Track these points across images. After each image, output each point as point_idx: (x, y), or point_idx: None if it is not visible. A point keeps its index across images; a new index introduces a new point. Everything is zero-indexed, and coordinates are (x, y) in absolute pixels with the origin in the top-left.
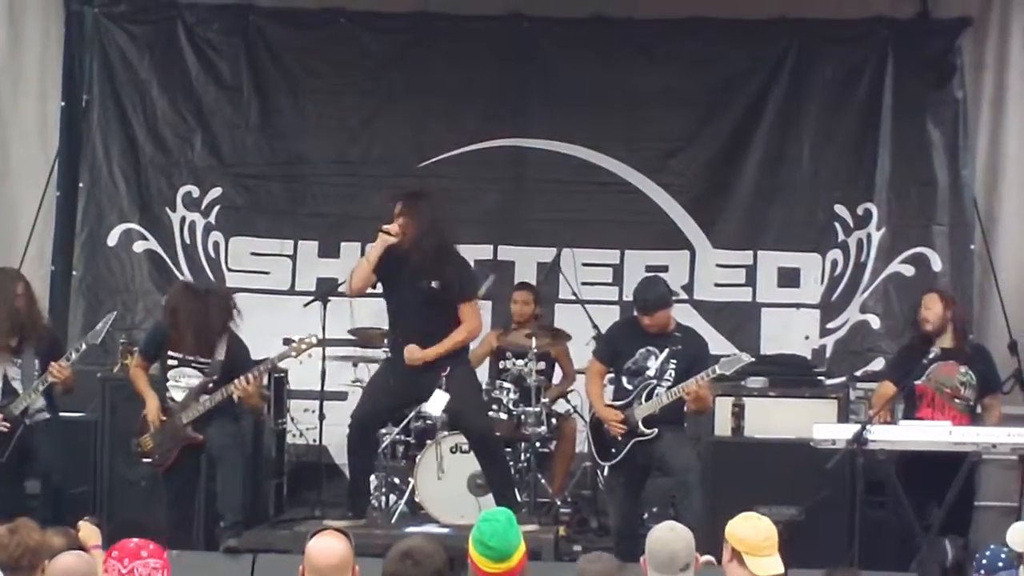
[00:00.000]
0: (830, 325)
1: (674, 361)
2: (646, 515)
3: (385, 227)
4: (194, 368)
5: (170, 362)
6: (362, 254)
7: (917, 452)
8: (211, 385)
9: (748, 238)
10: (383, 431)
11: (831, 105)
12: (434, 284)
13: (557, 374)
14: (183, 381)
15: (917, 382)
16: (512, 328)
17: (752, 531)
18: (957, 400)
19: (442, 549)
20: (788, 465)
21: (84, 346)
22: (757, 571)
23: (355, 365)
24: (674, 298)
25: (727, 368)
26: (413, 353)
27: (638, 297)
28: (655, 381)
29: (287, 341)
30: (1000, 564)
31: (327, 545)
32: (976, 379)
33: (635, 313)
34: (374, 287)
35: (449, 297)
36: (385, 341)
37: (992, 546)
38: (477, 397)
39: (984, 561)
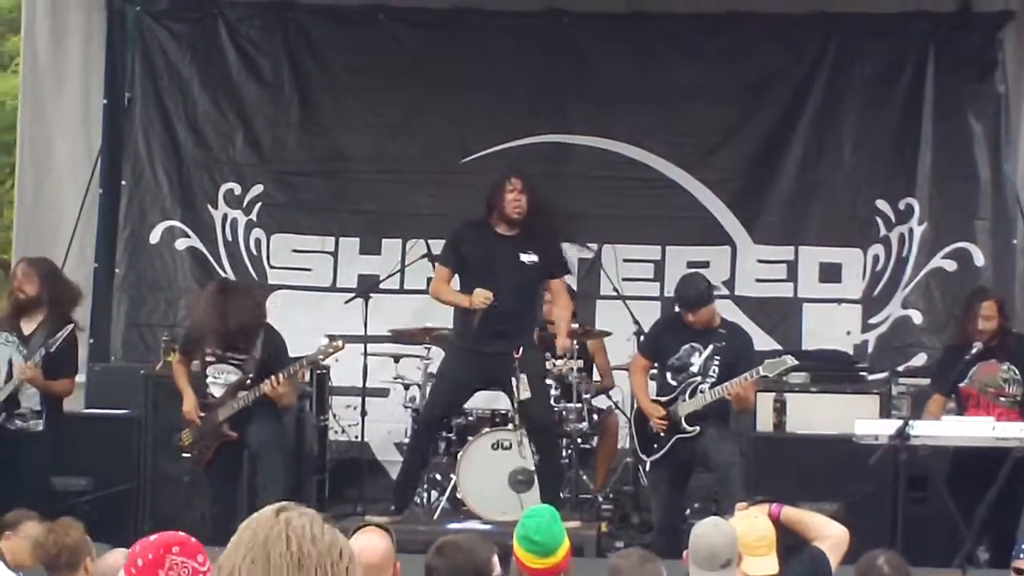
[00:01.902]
0: (872, 320)
1: (718, 358)
2: (688, 511)
3: (483, 298)
4: (232, 364)
5: (208, 359)
6: (403, 251)
7: (964, 448)
8: (248, 382)
9: (789, 233)
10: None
11: (872, 100)
12: (536, 258)
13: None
14: (222, 377)
15: (961, 384)
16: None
17: (747, 530)
18: (1002, 398)
19: (484, 543)
20: (830, 461)
21: (44, 352)
22: (748, 570)
23: (397, 361)
24: (716, 293)
25: (771, 371)
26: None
27: (679, 294)
28: (699, 378)
29: (332, 338)
30: None
31: (368, 542)
32: (1020, 373)
33: (677, 310)
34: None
35: (546, 272)
36: (454, 327)
37: None
38: (545, 388)
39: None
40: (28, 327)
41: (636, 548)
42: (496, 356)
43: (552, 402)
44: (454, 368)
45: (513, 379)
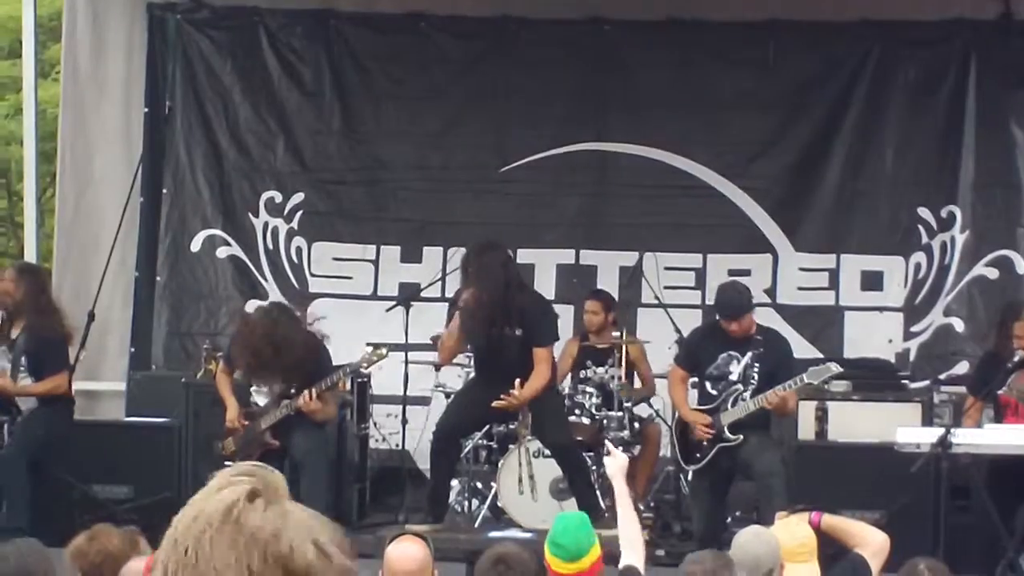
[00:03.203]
0: (913, 328)
1: (757, 365)
2: (729, 519)
3: (463, 298)
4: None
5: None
6: (444, 259)
7: (1005, 456)
8: (292, 391)
9: (831, 241)
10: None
11: (913, 107)
12: (517, 332)
13: (636, 380)
14: (266, 387)
15: (1000, 392)
16: (587, 339)
17: (789, 537)
18: None
19: (535, 556)
20: (871, 469)
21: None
22: None
23: (437, 370)
24: (754, 302)
25: (815, 378)
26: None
27: (720, 303)
28: (740, 386)
29: (376, 346)
30: None
31: (406, 550)
32: None
33: (717, 318)
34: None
35: (530, 343)
36: (466, 365)
37: None
38: (559, 412)
39: None
40: (15, 333)
41: (710, 551)
42: (506, 392)
43: (595, 411)
44: (472, 392)
45: (520, 414)
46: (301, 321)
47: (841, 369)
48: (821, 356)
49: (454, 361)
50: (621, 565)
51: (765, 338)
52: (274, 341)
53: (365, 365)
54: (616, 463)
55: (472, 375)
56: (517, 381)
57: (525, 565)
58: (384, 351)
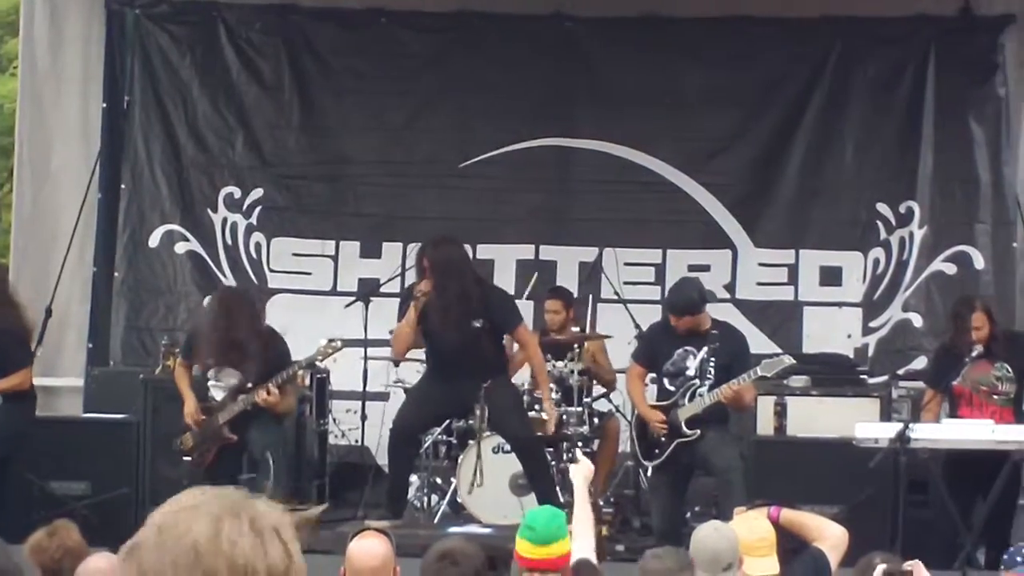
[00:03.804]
0: (872, 324)
1: (713, 359)
2: (688, 514)
3: (419, 289)
4: (233, 368)
5: (209, 362)
6: (404, 255)
7: (963, 451)
8: (249, 385)
9: (790, 237)
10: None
11: (873, 103)
12: (478, 323)
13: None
14: (223, 381)
15: (954, 383)
16: (546, 336)
17: (748, 532)
18: (996, 396)
19: (481, 549)
20: (830, 464)
21: None
22: (750, 571)
23: (397, 366)
24: (707, 302)
25: (769, 370)
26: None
27: (668, 301)
28: (697, 381)
29: (331, 340)
30: (1019, 560)
31: (368, 546)
32: (1013, 371)
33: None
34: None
35: (497, 332)
36: (424, 361)
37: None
38: (518, 406)
39: (1018, 558)
40: None
41: (671, 549)
42: (465, 388)
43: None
44: (429, 388)
45: (477, 409)
46: (260, 311)
47: (795, 361)
48: (780, 351)
49: (412, 356)
50: (574, 559)
51: (720, 332)
52: (232, 314)
53: (321, 358)
54: (581, 471)
55: (426, 371)
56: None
57: (470, 559)
58: (339, 343)
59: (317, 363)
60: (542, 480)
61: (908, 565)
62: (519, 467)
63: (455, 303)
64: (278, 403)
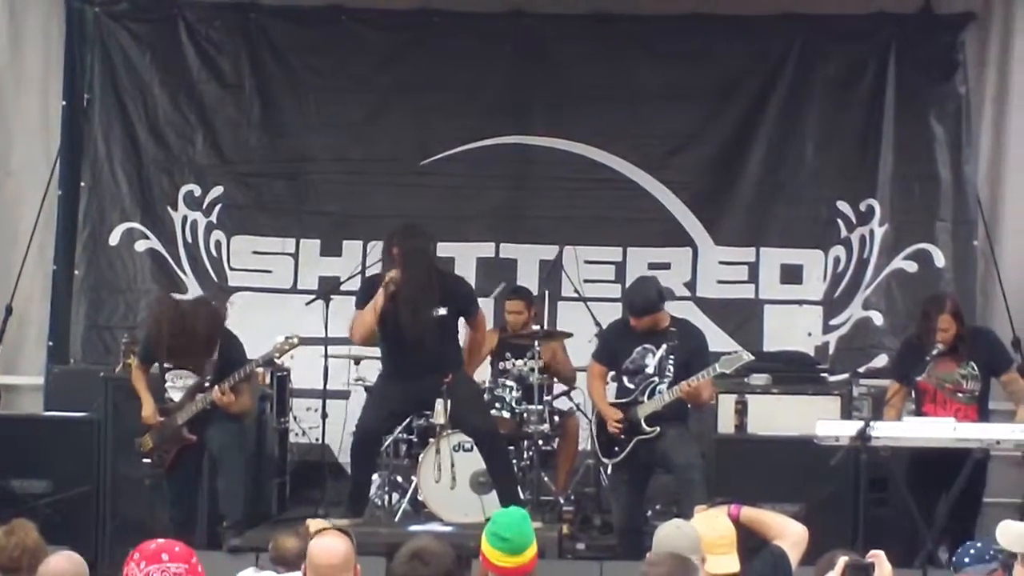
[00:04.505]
0: (833, 322)
1: (672, 356)
2: (649, 512)
3: (390, 277)
4: (189, 369)
5: (166, 364)
6: (364, 252)
7: (925, 449)
8: (206, 385)
9: (751, 235)
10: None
11: (834, 101)
12: (442, 311)
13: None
14: (180, 382)
15: (919, 378)
16: (506, 331)
17: (709, 529)
18: (960, 394)
19: (451, 549)
20: (791, 462)
21: None
22: (712, 569)
23: (357, 363)
24: (666, 300)
25: (727, 366)
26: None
27: (628, 302)
28: (656, 378)
29: (288, 336)
30: (987, 558)
31: (329, 545)
32: (979, 368)
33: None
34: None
35: (456, 319)
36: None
37: (980, 542)
38: (479, 399)
39: (972, 551)
40: None
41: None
42: (425, 384)
43: (515, 404)
44: (390, 387)
45: (438, 403)
46: (217, 311)
47: (753, 358)
48: (738, 351)
49: (372, 354)
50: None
51: (679, 330)
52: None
53: (278, 355)
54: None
55: (384, 372)
56: None
57: (440, 559)
58: (295, 340)
59: (275, 360)
60: (504, 475)
61: (870, 556)
62: (480, 465)
63: (421, 291)
64: (234, 403)
